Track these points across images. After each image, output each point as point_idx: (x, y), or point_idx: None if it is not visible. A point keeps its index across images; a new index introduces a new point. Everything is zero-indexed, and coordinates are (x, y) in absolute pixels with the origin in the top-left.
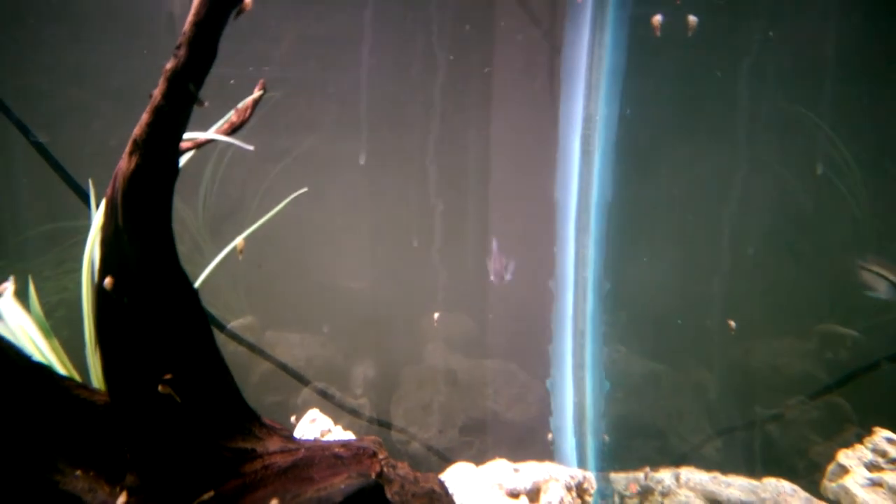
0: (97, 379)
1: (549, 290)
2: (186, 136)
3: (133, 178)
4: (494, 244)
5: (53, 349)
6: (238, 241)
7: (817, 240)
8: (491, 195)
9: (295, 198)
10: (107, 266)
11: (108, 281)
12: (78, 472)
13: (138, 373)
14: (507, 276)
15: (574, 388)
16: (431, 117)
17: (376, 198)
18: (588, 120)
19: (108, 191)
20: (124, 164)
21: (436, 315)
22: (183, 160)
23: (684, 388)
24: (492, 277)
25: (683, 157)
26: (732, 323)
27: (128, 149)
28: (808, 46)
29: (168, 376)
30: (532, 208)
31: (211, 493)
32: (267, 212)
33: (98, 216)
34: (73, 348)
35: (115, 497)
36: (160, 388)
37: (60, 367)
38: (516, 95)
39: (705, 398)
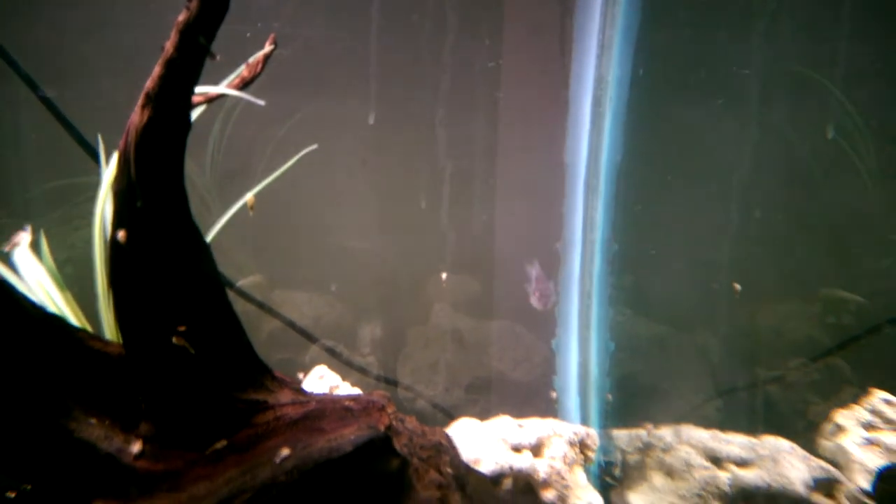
0: (110, 332)
1: (556, 252)
2: (198, 90)
3: (146, 131)
4: (536, 267)
5: (67, 301)
6: (248, 196)
7: (825, 205)
8: (500, 156)
9: (304, 157)
10: (120, 219)
11: (121, 234)
12: (93, 421)
13: (152, 324)
14: (553, 298)
15: (579, 348)
16: (441, 76)
17: (385, 158)
18: (600, 80)
19: (121, 144)
20: (137, 117)
21: (443, 275)
22: (194, 115)
23: (688, 350)
24: (534, 301)
25: (695, 118)
26: (737, 286)
27: (140, 102)
28: (823, 6)
29: (182, 328)
30: (541, 169)
31: (224, 442)
32: (275, 170)
33: (109, 170)
34: (82, 305)
35: (130, 445)
36: (174, 339)
37: (74, 319)
38: (527, 55)
39: (708, 360)
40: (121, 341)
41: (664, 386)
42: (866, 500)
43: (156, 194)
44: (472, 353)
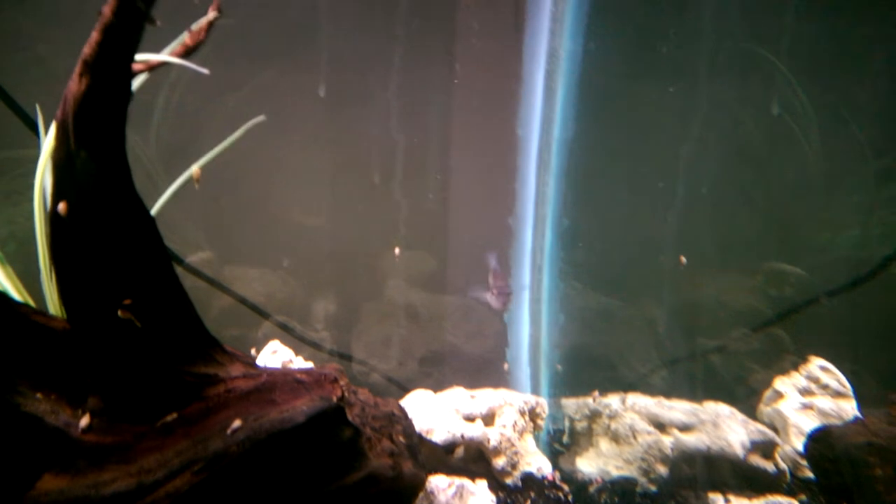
0: (54, 308)
1: (508, 226)
2: (139, 57)
3: (84, 100)
4: (493, 262)
5: (8, 276)
6: (194, 168)
7: (770, 180)
8: (453, 130)
9: (254, 130)
10: (60, 191)
11: (62, 206)
12: (39, 395)
13: (96, 298)
14: (510, 297)
15: (530, 321)
16: (394, 49)
17: (336, 131)
18: (552, 55)
19: (59, 114)
20: (74, 85)
21: (396, 250)
22: (136, 84)
23: (635, 322)
24: (491, 300)
25: (644, 94)
26: (683, 259)
27: (77, 69)
28: None
29: (127, 301)
30: (494, 144)
31: (174, 415)
32: (224, 144)
33: (48, 141)
34: (25, 282)
35: (78, 419)
36: (119, 313)
37: (17, 294)
38: (480, 29)
39: (655, 331)
40: (65, 316)
41: (612, 357)
42: (799, 460)
43: (96, 165)
44: (425, 327)
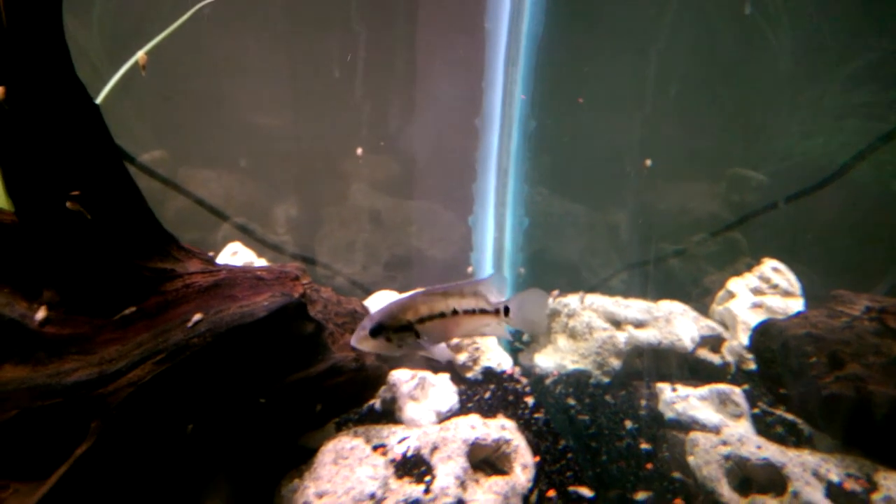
0: (0, 201)
1: (475, 127)
2: None
3: None
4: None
5: None
6: (139, 54)
7: (738, 83)
8: (419, 25)
9: (204, 21)
10: None
11: None
12: None
13: (44, 189)
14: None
15: (495, 224)
16: None
17: (294, 24)
18: None
19: None
20: None
21: (359, 150)
22: None
23: (599, 228)
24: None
25: None
26: (648, 162)
27: None
28: None
29: (75, 193)
30: (461, 38)
31: (133, 309)
32: (173, 35)
33: None
34: None
35: (35, 312)
36: (68, 204)
37: None
38: None
39: (617, 236)
40: (13, 209)
41: (574, 260)
42: (745, 354)
43: (32, 44)
44: (390, 231)
